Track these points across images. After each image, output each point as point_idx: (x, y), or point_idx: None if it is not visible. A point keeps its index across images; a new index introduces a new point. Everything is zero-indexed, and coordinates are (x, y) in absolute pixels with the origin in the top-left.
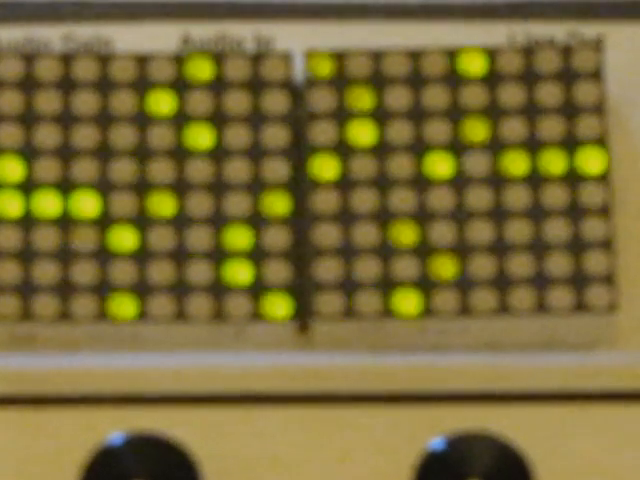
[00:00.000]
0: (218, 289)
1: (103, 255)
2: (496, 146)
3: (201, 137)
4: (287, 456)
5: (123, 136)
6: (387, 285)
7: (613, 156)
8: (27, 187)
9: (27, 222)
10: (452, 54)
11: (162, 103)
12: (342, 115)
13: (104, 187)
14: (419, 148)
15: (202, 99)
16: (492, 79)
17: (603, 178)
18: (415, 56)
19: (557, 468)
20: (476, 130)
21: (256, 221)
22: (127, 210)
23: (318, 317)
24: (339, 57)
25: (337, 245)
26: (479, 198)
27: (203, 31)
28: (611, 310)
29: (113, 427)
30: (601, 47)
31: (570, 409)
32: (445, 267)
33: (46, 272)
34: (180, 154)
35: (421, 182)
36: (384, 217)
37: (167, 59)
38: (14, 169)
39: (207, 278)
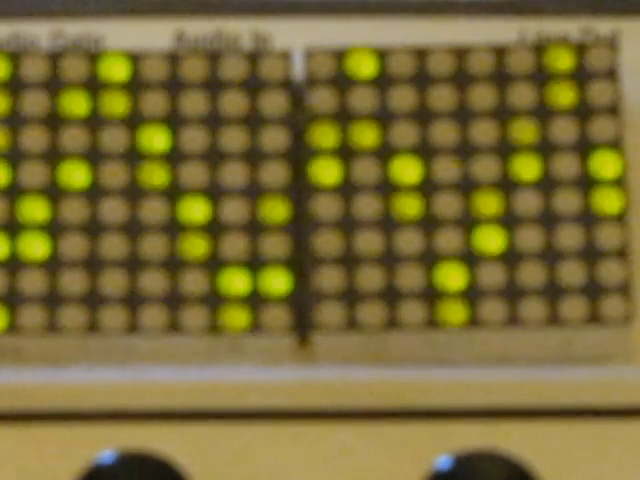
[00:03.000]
0: (214, 299)
1: (93, 264)
2: (506, 149)
3: (196, 139)
4: (286, 475)
5: (113, 139)
6: (391, 296)
7: (629, 159)
8: (13, 192)
9: (13, 230)
10: (460, 52)
11: (155, 104)
12: (344, 116)
13: (94, 192)
14: (425, 151)
15: (197, 99)
16: (502, 78)
17: (618, 182)
18: (421, 54)
19: None
20: (485, 132)
21: (254, 228)
22: (119, 217)
23: (319, 329)
24: (340, 55)
25: (339, 253)
26: (487, 204)
27: (198, 28)
28: (626, 322)
29: (103, 445)
30: (616, 44)
31: (583, 426)
32: (453, 276)
33: (33, 282)
34: (174, 157)
35: (426, 187)
36: (388, 224)
37: (160, 57)
38: None
39: (202, 288)
